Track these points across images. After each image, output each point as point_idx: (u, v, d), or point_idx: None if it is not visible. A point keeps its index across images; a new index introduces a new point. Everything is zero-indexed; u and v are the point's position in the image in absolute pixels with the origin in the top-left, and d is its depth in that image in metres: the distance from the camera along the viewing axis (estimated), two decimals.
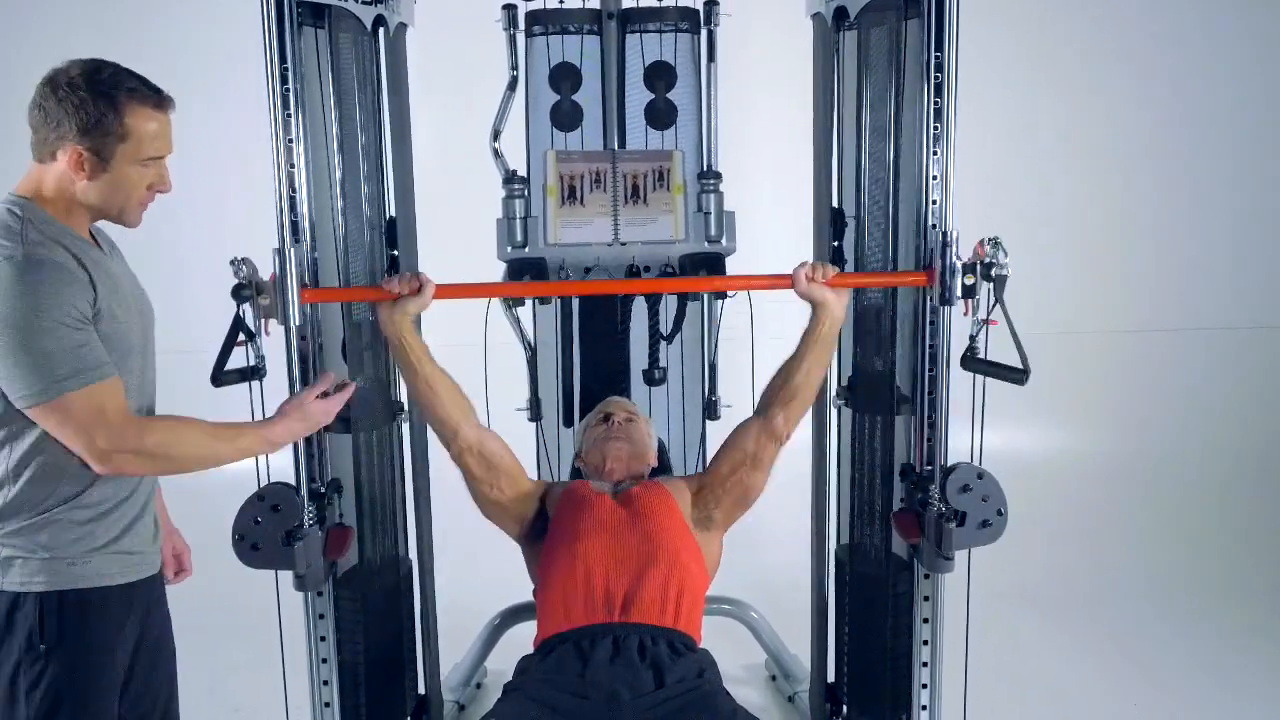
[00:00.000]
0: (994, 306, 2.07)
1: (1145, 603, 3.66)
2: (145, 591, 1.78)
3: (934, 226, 2.15)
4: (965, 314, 2.13)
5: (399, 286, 2.08)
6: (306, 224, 2.12)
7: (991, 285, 2.08)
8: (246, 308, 2.05)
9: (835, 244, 2.51)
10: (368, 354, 2.42)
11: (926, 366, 2.23)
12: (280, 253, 2.05)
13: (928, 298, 2.19)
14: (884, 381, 2.42)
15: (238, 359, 2.06)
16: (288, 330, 2.09)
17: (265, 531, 2.07)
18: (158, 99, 1.67)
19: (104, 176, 1.64)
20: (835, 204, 2.53)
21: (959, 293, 2.11)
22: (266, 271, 2.07)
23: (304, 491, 2.13)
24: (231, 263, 2.05)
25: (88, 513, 1.66)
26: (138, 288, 1.80)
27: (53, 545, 1.64)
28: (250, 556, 2.11)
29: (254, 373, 2.07)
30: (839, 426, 2.60)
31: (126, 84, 1.63)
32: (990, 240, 2.08)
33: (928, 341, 2.22)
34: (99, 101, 1.60)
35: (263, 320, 2.06)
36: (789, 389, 2.21)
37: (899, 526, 2.32)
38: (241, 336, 2.05)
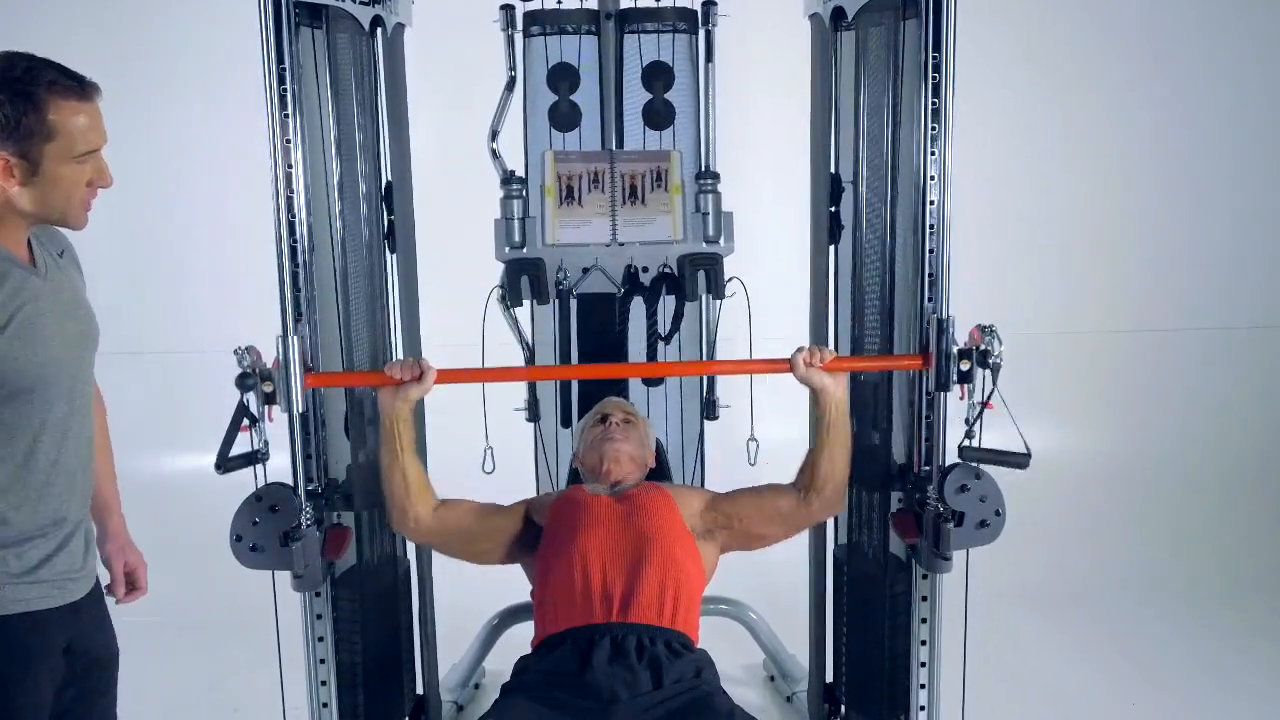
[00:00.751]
0: (990, 394, 2.09)
1: (1144, 602, 3.66)
2: (73, 616, 1.66)
3: (930, 304, 2.17)
4: (961, 398, 2.16)
5: (401, 372, 2.12)
6: (303, 226, 2.12)
7: (987, 372, 2.11)
8: (250, 395, 2.06)
9: (833, 250, 2.52)
10: (370, 429, 2.44)
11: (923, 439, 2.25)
12: (283, 340, 2.07)
13: (923, 380, 2.21)
14: (880, 454, 2.44)
15: (241, 442, 2.07)
16: (291, 416, 2.09)
17: (263, 532, 2.07)
18: (81, 89, 1.52)
19: (36, 181, 1.50)
20: (833, 205, 2.53)
21: (955, 378, 2.13)
22: (268, 352, 2.09)
23: (302, 492, 2.13)
24: (235, 352, 2.06)
25: (10, 532, 1.56)
26: (80, 307, 1.69)
27: None
28: (248, 557, 2.11)
29: (257, 457, 2.08)
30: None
31: (45, 77, 1.48)
32: (986, 328, 2.12)
33: (924, 416, 2.24)
34: (17, 101, 1.45)
35: (266, 407, 2.07)
36: (819, 478, 2.23)
37: (897, 527, 2.32)
38: (245, 422, 2.06)
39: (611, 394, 2.69)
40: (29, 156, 1.48)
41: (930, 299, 2.17)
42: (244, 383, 2.04)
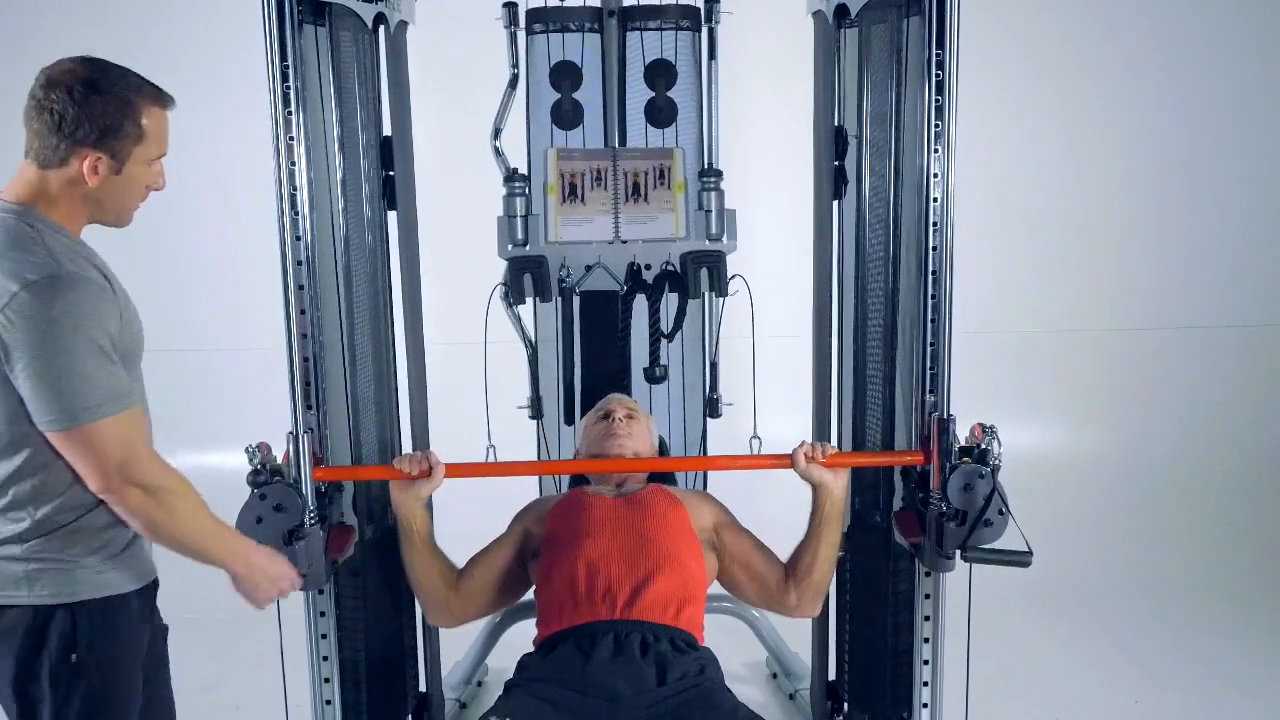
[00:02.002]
0: (991, 495, 2.09)
1: (1146, 600, 3.66)
2: (152, 598, 1.76)
3: (931, 398, 2.18)
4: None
5: (409, 467, 2.17)
6: (306, 223, 2.12)
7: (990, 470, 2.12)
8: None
9: (835, 251, 2.52)
10: (376, 506, 2.47)
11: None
12: (294, 436, 2.09)
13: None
14: (881, 529, 2.46)
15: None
16: (303, 509, 2.10)
17: (267, 531, 2.07)
18: (164, 98, 1.64)
19: (116, 180, 1.59)
20: (835, 207, 2.52)
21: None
22: (278, 439, 2.12)
23: (306, 490, 2.13)
24: (246, 450, 2.08)
25: (105, 518, 1.62)
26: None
27: (80, 555, 1.60)
28: None
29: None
30: (839, 425, 2.60)
31: (136, 83, 1.60)
32: (987, 428, 2.14)
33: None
34: (117, 104, 1.56)
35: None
36: (800, 568, 2.28)
37: (900, 526, 2.31)
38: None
39: (614, 391, 2.69)
40: (118, 156, 1.57)
41: (932, 392, 2.18)
42: (255, 480, 2.07)
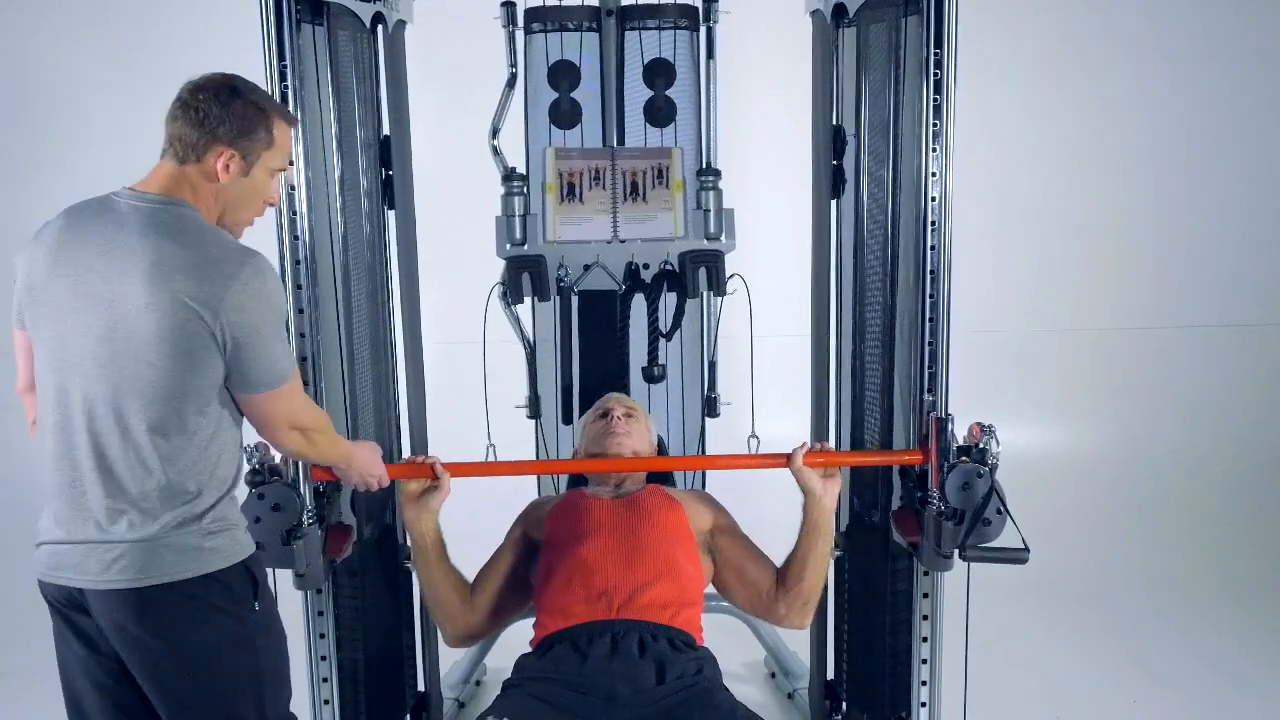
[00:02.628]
0: (989, 494, 2.09)
1: (1146, 599, 3.66)
2: None
3: (929, 398, 2.18)
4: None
5: (415, 476, 2.20)
6: (304, 222, 2.12)
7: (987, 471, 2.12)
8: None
9: (834, 251, 2.52)
10: (375, 506, 2.50)
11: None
12: None
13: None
14: (879, 529, 2.46)
15: None
16: (301, 509, 2.09)
17: (265, 530, 2.07)
18: (290, 117, 1.83)
19: (242, 181, 1.72)
20: (833, 207, 2.52)
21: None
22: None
23: (304, 490, 2.13)
24: (244, 449, 2.05)
25: (238, 486, 1.80)
26: None
27: (238, 518, 1.77)
28: None
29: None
30: (837, 424, 2.60)
31: (269, 97, 1.80)
32: (985, 427, 2.13)
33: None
34: (254, 110, 1.71)
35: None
36: (790, 578, 2.28)
37: (898, 525, 2.31)
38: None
39: (613, 391, 2.69)
40: (248, 158, 1.71)
41: (930, 391, 2.18)
42: (253, 480, 2.07)
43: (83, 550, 1.65)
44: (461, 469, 2.26)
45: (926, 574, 2.28)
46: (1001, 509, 2.12)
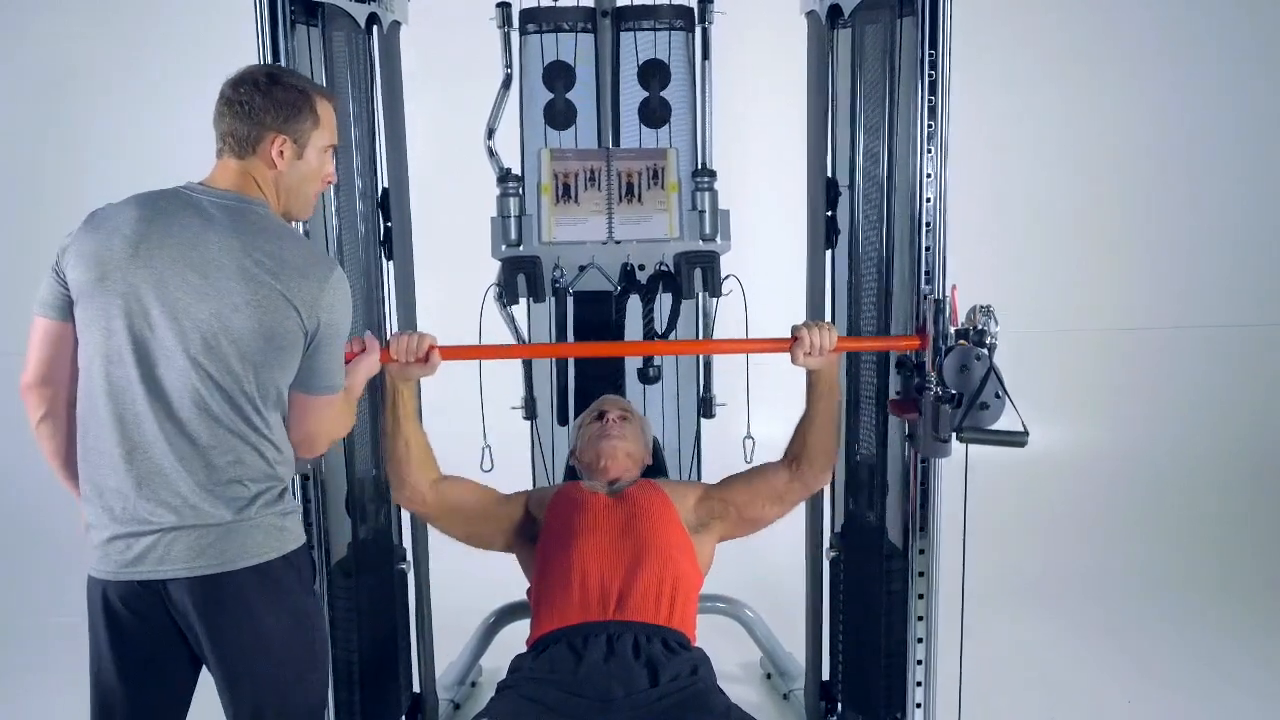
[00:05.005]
0: (987, 375, 2.05)
1: (1141, 600, 3.66)
2: None
3: (927, 286, 2.15)
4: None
5: (403, 353, 2.12)
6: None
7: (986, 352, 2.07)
8: None
9: (829, 251, 2.52)
10: (371, 506, 2.51)
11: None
12: None
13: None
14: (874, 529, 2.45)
15: None
16: None
17: None
18: (329, 93, 1.85)
19: (298, 165, 1.76)
20: (828, 206, 2.53)
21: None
22: None
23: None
24: None
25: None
26: None
27: (292, 504, 1.81)
28: None
29: None
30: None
31: (306, 79, 1.83)
32: (982, 308, 2.09)
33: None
34: (296, 93, 1.74)
35: None
36: (809, 445, 2.25)
37: (895, 410, 2.25)
38: None
39: (608, 392, 2.69)
40: (299, 140, 1.75)
41: (927, 281, 2.15)
42: None
43: (169, 538, 1.65)
44: (455, 352, 2.19)
45: (921, 574, 2.28)
46: (1000, 392, 2.06)
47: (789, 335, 2.15)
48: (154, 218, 1.66)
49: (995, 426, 2.05)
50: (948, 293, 2.13)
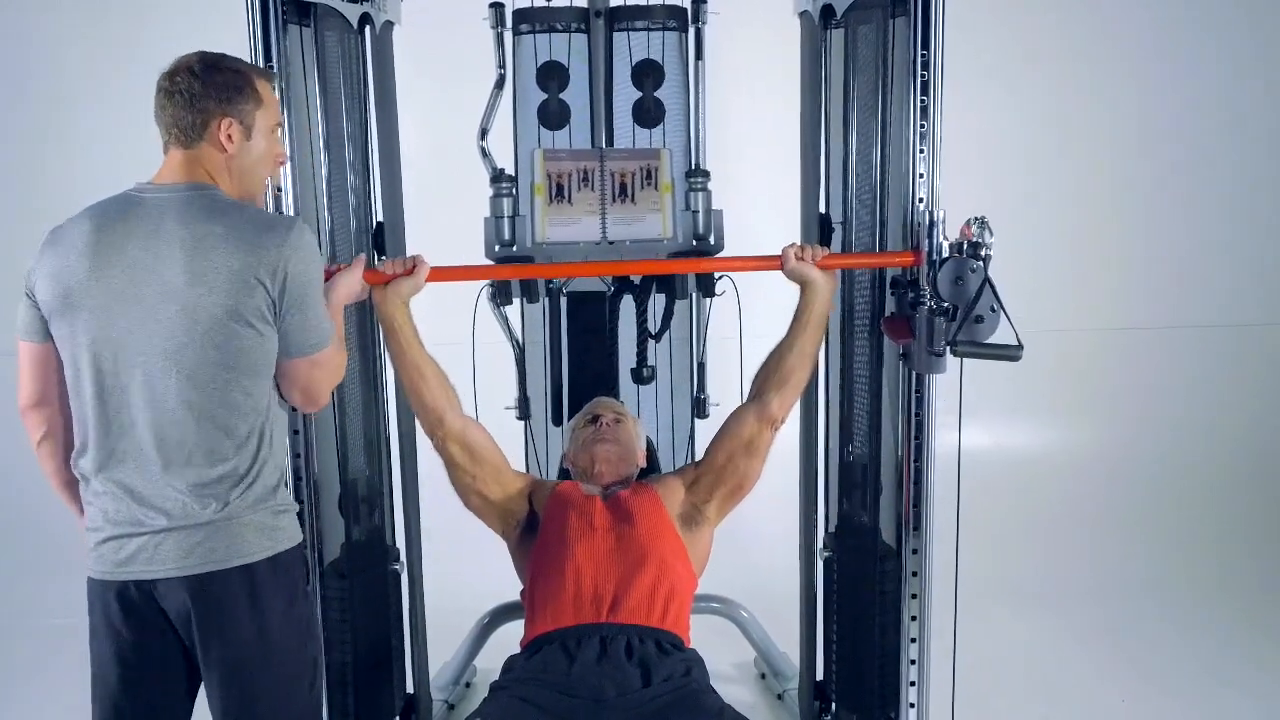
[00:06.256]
0: (982, 287, 2.03)
1: (1137, 599, 3.67)
2: None
3: (920, 200, 2.14)
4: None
5: (391, 268, 2.09)
6: None
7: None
8: None
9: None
10: (364, 507, 2.51)
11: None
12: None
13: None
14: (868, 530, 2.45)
15: None
16: None
17: None
18: (267, 72, 1.85)
19: (248, 146, 1.75)
20: (823, 203, 2.54)
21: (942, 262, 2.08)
22: None
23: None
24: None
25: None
26: None
27: (294, 502, 1.80)
28: None
29: None
30: (826, 420, 2.60)
31: (240, 60, 1.79)
32: (976, 220, 2.06)
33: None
34: (232, 75, 1.73)
35: None
36: (782, 372, 2.21)
37: (888, 329, 2.22)
38: None
39: (602, 392, 2.68)
40: (245, 121, 1.73)
41: (921, 199, 2.14)
42: None
43: (158, 539, 1.65)
44: (445, 273, 2.15)
45: (915, 574, 2.28)
46: (995, 306, 2.04)
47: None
48: (106, 226, 1.66)
49: (990, 340, 2.02)
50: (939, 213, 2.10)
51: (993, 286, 2.03)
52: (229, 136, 1.72)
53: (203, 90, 1.70)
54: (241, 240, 1.65)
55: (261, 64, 2.06)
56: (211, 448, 1.66)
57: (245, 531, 1.69)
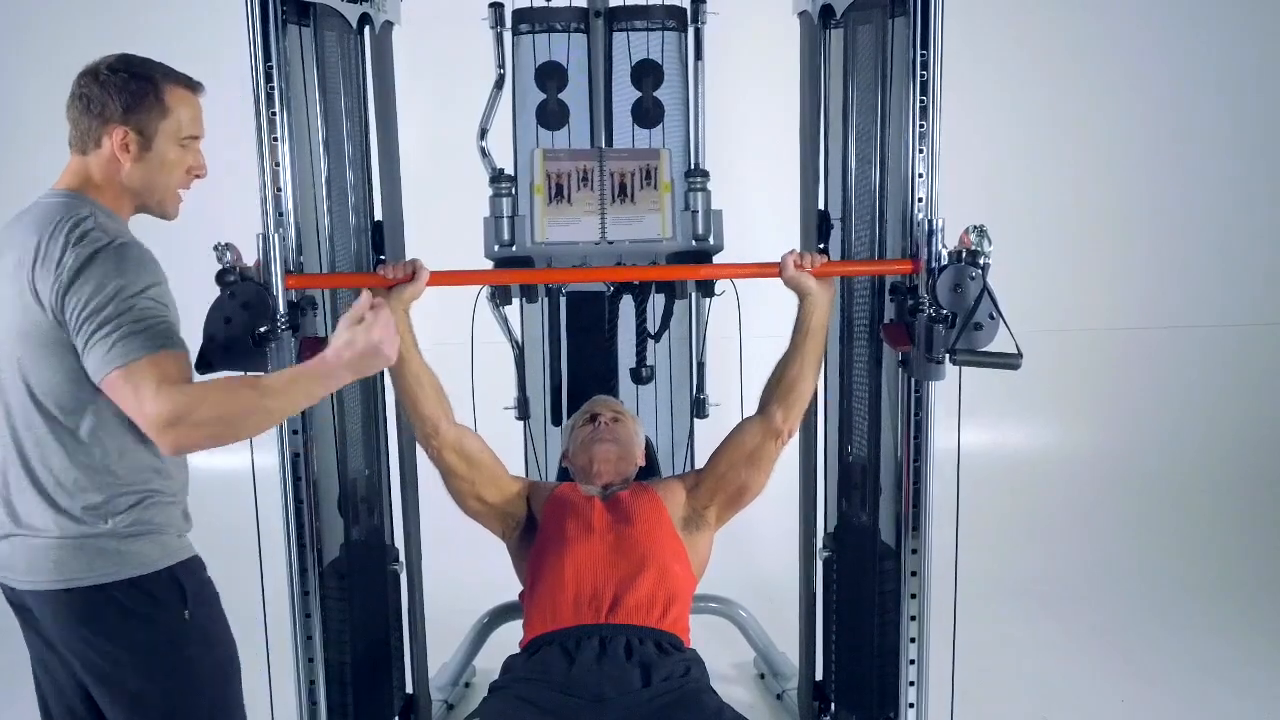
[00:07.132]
0: (981, 295, 2.04)
1: (1135, 599, 3.67)
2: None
3: (919, 210, 2.14)
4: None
5: (393, 273, 2.08)
6: (291, 220, 2.11)
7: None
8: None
9: (822, 247, 2.53)
10: (362, 506, 2.48)
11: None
12: (264, 238, 2.04)
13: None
14: (868, 529, 2.44)
15: None
16: (274, 312, 2.04)
17: (236, 329, 1.97)
18: (189, 81, 1.73)
19: (148, 157, 1.67)
20: (822, 202, 2.54)
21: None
22: (250, 258, 2.05)
23: (278, 293, 2.03)
24: (216, 248, 2.01)
25: (173, 484, 1.69)
26: None
27: (167, 522, 1.67)
28: (220, 357, 1.96)
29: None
30: (826, 421, 2.60)
31: (159, 66, 1.70)
32: (975, 229, 2.06)
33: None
34: (139, 81, 1.65)
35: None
36: (785, 384, 2.22)
37: (888, 336, 2.22)
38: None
39: (601, 392, 2.68)
40: (145, 131, 1.65)
41: (920, 199, 2.14)
42: (224, 279, 1.99)
43: (8, 547, 1.63)
44: (445, 277, 2.13)
45: (914, 574, 2.28)
46: (994, 313, 2.05)
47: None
48: (4, 230, 1.65)
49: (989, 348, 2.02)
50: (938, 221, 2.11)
51: (991, 294, 2.04)
52: (124, 146, 1.64)
53: (101, 95, 1.63)
54: (39, 255, 1.55)
55: (261, 64, 2.06)
56: (50, 462, 1.61)
57: (81, 554, 1.61)
